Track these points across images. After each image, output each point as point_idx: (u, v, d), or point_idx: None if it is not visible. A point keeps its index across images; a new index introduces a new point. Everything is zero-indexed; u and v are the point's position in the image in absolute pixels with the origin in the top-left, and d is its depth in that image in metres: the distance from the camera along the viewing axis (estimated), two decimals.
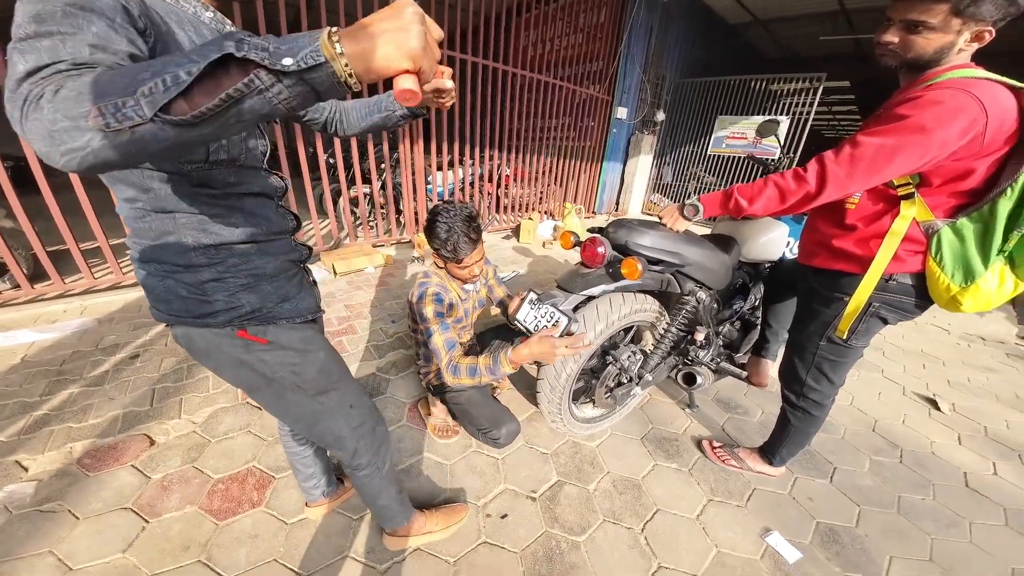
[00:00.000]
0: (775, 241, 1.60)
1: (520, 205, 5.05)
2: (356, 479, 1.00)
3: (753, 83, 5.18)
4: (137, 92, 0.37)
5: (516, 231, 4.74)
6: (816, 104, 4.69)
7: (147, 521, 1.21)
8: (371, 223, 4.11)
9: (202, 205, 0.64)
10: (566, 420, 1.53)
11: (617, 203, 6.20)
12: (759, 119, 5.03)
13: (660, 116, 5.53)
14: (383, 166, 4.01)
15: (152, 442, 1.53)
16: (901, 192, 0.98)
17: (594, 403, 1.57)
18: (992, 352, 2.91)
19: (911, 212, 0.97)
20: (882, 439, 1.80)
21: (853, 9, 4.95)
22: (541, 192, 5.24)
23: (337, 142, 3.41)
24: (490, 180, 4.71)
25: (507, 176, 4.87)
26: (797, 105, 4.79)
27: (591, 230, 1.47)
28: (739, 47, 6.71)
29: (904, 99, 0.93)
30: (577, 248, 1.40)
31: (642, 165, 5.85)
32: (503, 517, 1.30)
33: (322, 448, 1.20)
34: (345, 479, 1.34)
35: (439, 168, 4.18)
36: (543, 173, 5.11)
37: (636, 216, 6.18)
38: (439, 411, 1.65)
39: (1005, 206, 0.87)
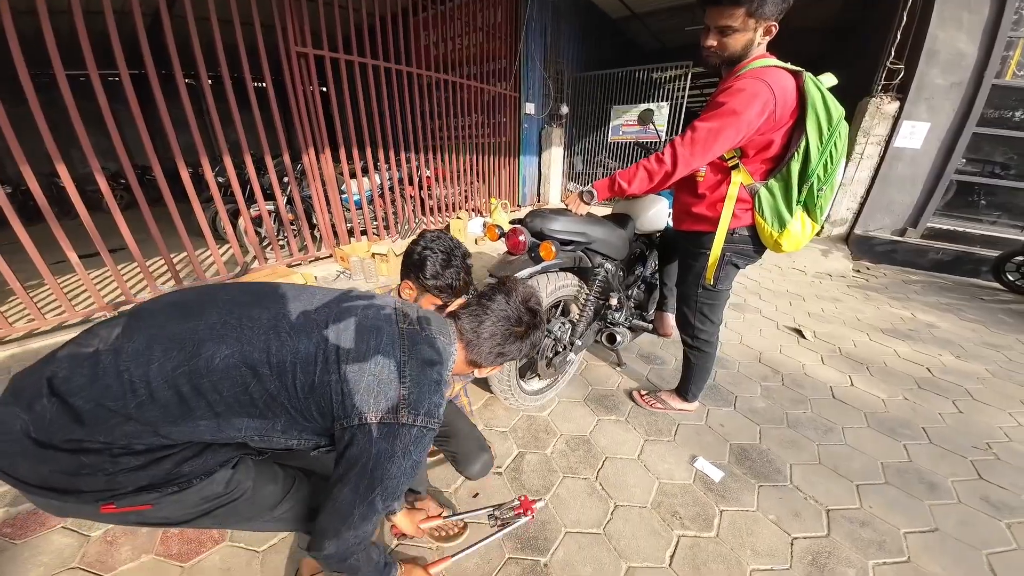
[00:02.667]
0: (659, 213, 1.90)
1: (446, 205, 5.07)
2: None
3: (637, 73, 5.77)
4: None
5: (447, 231, 4.77)
6: (689, 88, 5.37)
7: None
8: (281, 242, 3.82)
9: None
10: (517, 396, 1.68)
11: (539, 195, 6.50)
12: (644, 107, 5.63)
13: (564, 109, 5.90)
14: (286, 179, 3.75)
15: None
16: (730, 164, 1.27)
17: (539, 376, 1.74)
18: (837, 285, 3.68)
19: (739, 179, 1.26)
20: (767, 367, 2.23)
21: None
22: (466, 191, 5.31)
23: (226, 158, 3.08)
24: (411, 183, 4.65)
25: (428, 177, 4.85)
26: (675, 91, 5.45)
27: (512, 222, 1.63)
28: (624, 41, 7.39)
29: (722, 88, 1.20)
30: (502, 239, 1.55)
31: (555, 157, 6.20)
32: (475, 496, 1.40)
33: None
34: None
35: (352, 175, 4.02)
36: (464, 172, 5.17)
37: (550, 206, 6.55)
38: None
39: (795, 167, 1.18)
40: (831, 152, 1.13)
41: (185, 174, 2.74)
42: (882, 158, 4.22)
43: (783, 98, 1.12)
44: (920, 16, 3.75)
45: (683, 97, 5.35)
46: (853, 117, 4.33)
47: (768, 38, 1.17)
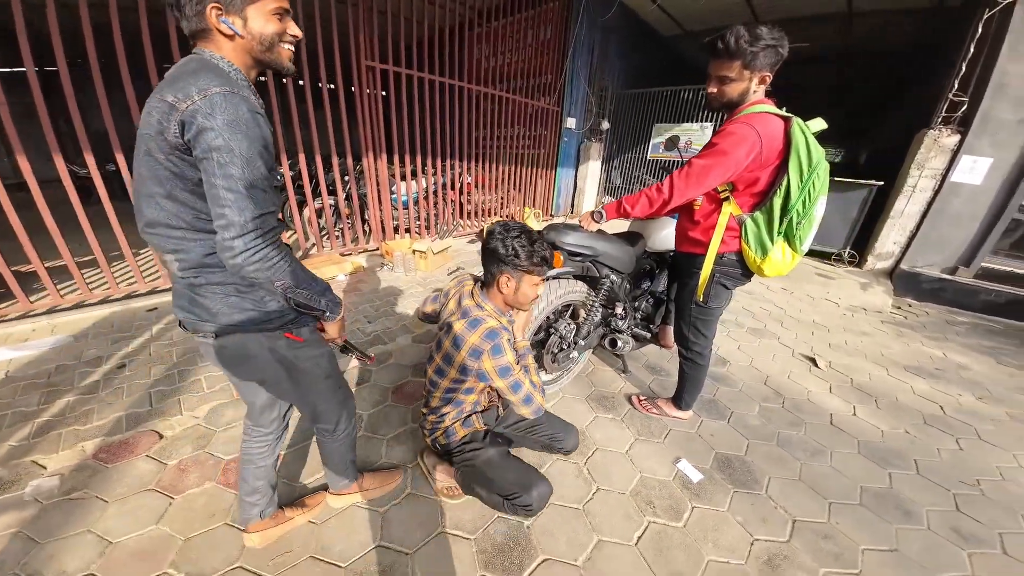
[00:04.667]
0: (670, 235, 2.05)
1: (483, 210, 5.38)
2: (333, 442, 1.25)
3: (683, 92, 5.81)
4: (295, 290, 0.88)
5: (480, 235, 5.07)
6: None
7: (172, 498, 1.43)
8: (337, 233, 4.28)
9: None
10: None
11: (572, 206, 6.68)
12: (689, 126, 5.66)
13: (605, 125, 6.05)
14: (347, 178, 4.20)
15: (161, 436, 1.72)
16: (722, 196, 1.44)
17: (545, 370, 1.95)
18: (870, 320, 3.58)
19: (729, 209, 1.42)
20: (770, 390, 2.30)
21: (766, 20, 5.70)
22: (502, 198, 5.60)
23: (300, 155, 3.56)
24: (452, 188, 5.00)
25: (468, 183, 5.18)
26: (718, 111, 5.44)
27: None
28: (673, 58, 7.41)
29: (719, 131, 1.37)
30: None
31: (592, 170, 6.36)
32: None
33: (274, 464, 1.26)
34: (285, 507, 1.34)
35: (402, 178, 4.42)
36: (503, 180, 5.47)
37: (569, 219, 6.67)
38: (443, 474, 1.47)
39: (777, 201, 1.32)
40: (809, 190, 1.27)
41: None
42: (936, 192, 4.04)
43: (769, 141, 1.27)
44: (990, 48, 3.59)
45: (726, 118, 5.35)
46: (908, 148, 4.19)
47: (763, 87, 1.33)
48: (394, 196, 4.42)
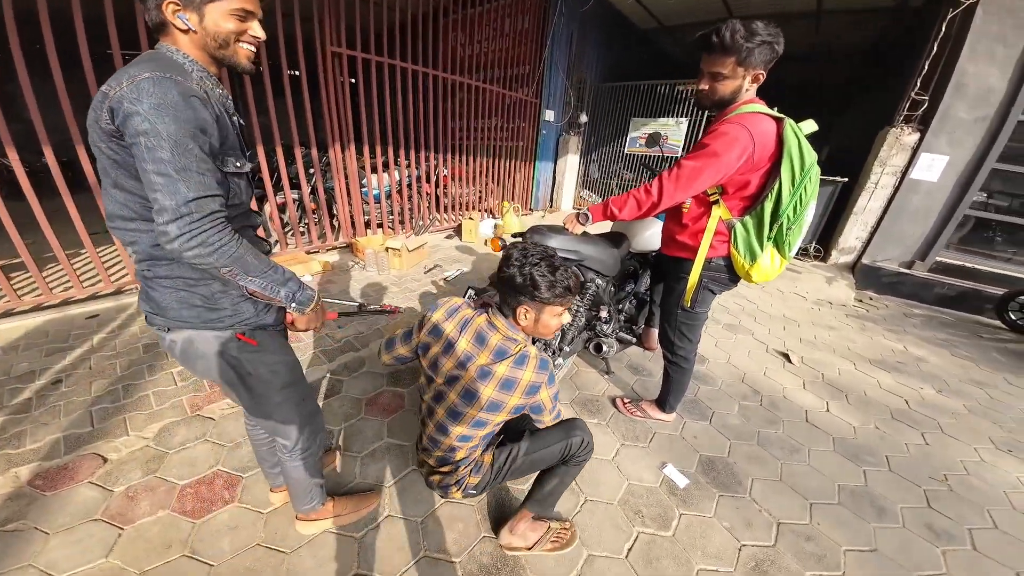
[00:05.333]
0: (655, 235, 2.03)
1: (460, 204, 5.23)
2: (292, 462, 1.14)
3: (659, 88, 5.82)
4: (246, 278, 0.82)
5: (458, 230, 4.93)
6: None
7: (122, 528, 1.29)
8: (303, 229, 4.04)
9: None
10: None
11: (551, 200, 6.62)
12: (665, 120, 5.69)
13: (584, 118, 6.00)
14: (312, 170, 3.96)
15: (105, 460, 1.55)
16: (712, 199, 1.40)
17: None
18: (835, 313, 3.73)
19: (719, 213, 1.39)
20: (748, 387, 2.34)
21: (739, 16, 5.74)
22: (480, 192, 5.46)
23: (259, 146, 3.29)
24: (428, 181, 4.82)
25: (445, 176, 5.01)
26: (695, 106, 5.49)
27: (514, 235, 1.77)
28: (651, 52, 7.41)
29: (710, 131, 1.32)
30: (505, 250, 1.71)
31: (571, 164, 6.31)
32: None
33: None
34: (336, 498, 1.36)
35: (373, 170, 4.21)
36: (480, 173, 5.32)
37: (549, 223, 6.63)
38: (531, 529, 1.30)
39: (768, 206, 1.29)
40: (801, 195, 1.24)
41: None
42: (896, 189, 4.22)
43: (762, 143, 1.23)
44: (951, 49, 3.73)
45: (704, 114, 5.39)
46: (872, 146, 4.34)
47: (756, 85, 1.29)
48: (365, 189, 4.21)
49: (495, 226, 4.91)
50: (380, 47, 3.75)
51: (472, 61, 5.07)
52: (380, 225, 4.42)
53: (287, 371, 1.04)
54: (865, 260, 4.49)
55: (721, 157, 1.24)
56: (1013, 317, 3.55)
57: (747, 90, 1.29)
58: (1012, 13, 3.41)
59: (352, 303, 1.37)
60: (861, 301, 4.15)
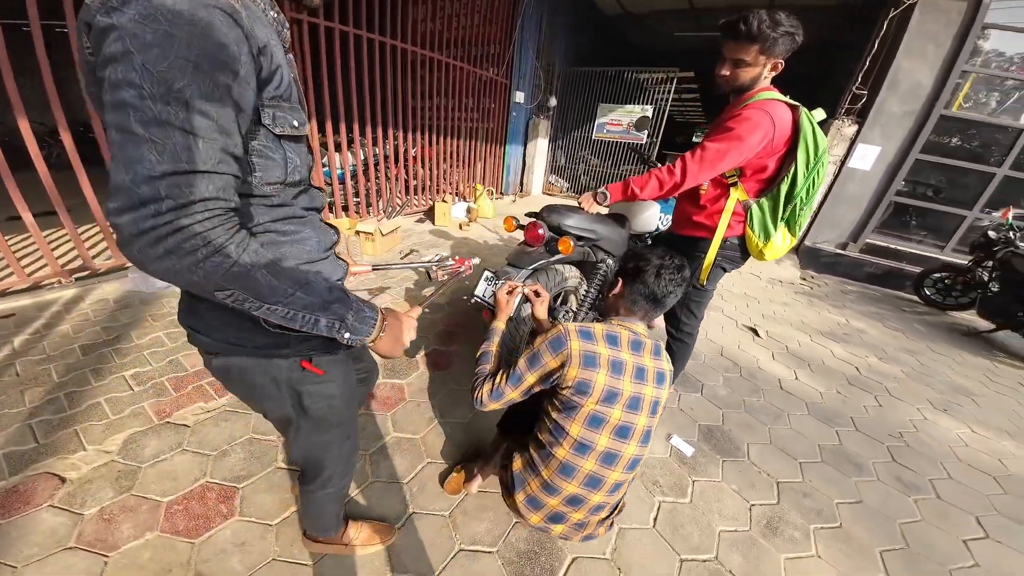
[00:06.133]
0: (652, 216, 2.08)
1: (430, 187, 5.02)
2: (317, 493, 0.99)
3: (626, 74, 5.92)
4: (260, 305, 0.54)
5: (430, 213, 4.74)
6: (672, 93, 5.61)
7: (106, 556, 1.11)
8: None
9: (278, 223, 0.63)
10: None
11: (521, 184, 6.56)
12: (632, 107, 5.82)
13: (553, 101, 5.96)
14: None
15: (63, 480, 1.33)
16: (730, 181, 1.45)
17: None
18: (786, 291, 4.08)
19: (736, 195, 1.44)
20: (728, 360, 2.51)
21: (701, 8, 5.92)
22: (447, 171, 5.27)
23: None
24: (396, 162, 4.56)
25: (414, 158, 4.77)
26: (659, 94, 5.66)
27: (528, 214, 1.73)
28: (616, 38, 7.48)
29: (732, 115, 1.35)
30: (519, 230, 1.66)
31: (540, 148, 6.28)
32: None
33: None
34: (352, 522, 1.21)
35: (337, 148, 3.90)
36: (450, 154, 5.13)
37: (564, 203, 6.61)
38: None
39: (783, 188, 1.37)
40: (814, 178, 1.32)
41: None
42: (836, 177, 4.66)
43: (781, 129, 1.28)
44: (890, 46, 4.12)
45: (667, 102, 5.58)
46: None
47: (775, 74, 1.33)
48: (327, 169, 3.90)
49: (468, 209, 4.79)
50: (345, 16, 3.43)
51: (439, 36, 4.81)
52: (345, 208, 4.13)
53: (344, 406, 0.85)
54: (808, 242, 4.94)
55: (745, 141, 1.28)
56: (928, 293, 4.10)
57: (765, 78, 1.33)
58: (945, 13, 3.81)
59: (411, 265, 1.21)
60: (805, 280, 4.58)
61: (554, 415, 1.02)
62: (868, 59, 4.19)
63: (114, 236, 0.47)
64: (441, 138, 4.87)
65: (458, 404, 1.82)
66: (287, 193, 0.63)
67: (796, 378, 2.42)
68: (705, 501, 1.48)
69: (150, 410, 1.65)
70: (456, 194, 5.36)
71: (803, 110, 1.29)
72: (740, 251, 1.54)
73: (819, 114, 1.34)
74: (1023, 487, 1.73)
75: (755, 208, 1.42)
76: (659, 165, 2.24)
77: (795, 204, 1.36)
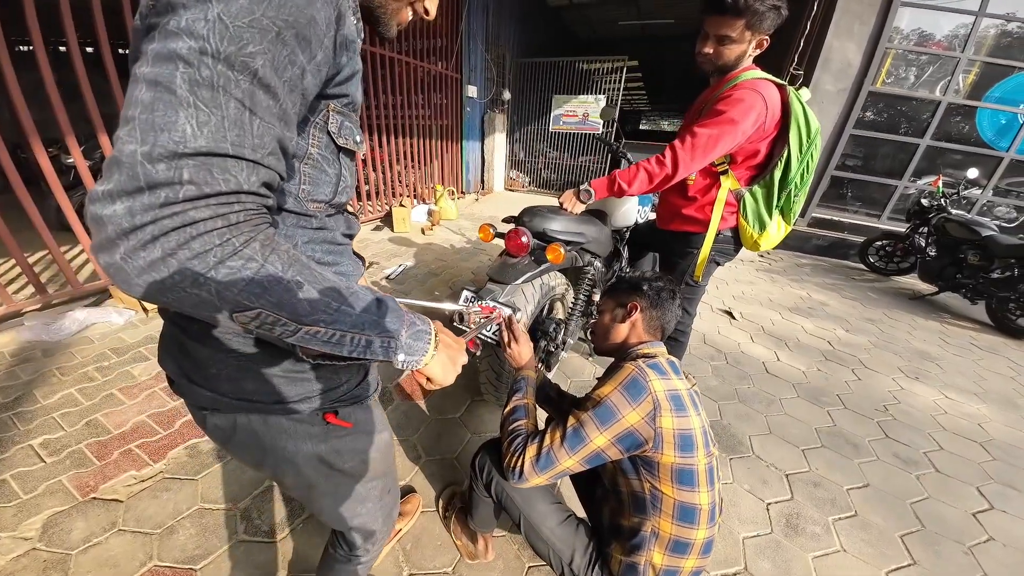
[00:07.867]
0: (631, 210, 1.98)
1: (384, 191, 4.70)
2: (347, 566, 0.81)
3: (578, 64, 5.87)
4: (300, 332, 0.41)
5: (387, 219, 4.43)
6: (623, 82, 5.62)
7: None
8: None
9: (318, 250, 0.54)
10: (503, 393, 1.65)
11: (483, 182, 6.34)
12: (585, 98, 5.78)
13: (507, 95, 5.79)
14: None
15: None
16: (720, 169, 1.36)
17: None
18: (747, 268, 4.21)
19: (728, 184, 1.36)
20: (711, 348, 2.50)
21: None
22: (399, 173, 4.96)
23: (103, 138, 2.42)
24: None
25: (361, 161, 4.43)
26: (609, 83, 5.66)
27: (506, 220, 1.56)
28: (561, 28, 7.43)
29: (719, 97, 1.26)
30: (499, 240, 1.48)
31: (498, 143, 6.09)
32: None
33: None
34: None
35: None
36: (403, 155, 4.82)
37: (545, 204, 6.44)
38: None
39: (777, 174, 1.30)
40: (808, 162, 1.26)
41: (44, 157, 2.13)
42: None
43: (772, 110, 1.21)
44: (820, 26, 4.31)
45: (617, 91, 5.58)
46: None
47: (759, 51, 1.25)
48: None
49: (429, 212, 4.53)
50: None
51: None
52: None
53: (381, 458, 0.70)
54: None
55: (739, 124, 1.19)
56: (872, 260, 4.39)
57: (750, 56, 1.24)
58: None
59: (440, 306, 0.99)
60: (762, 257, 4.76)
61: (633, 480, 0.82)
62: (802, 40, 4.37)
63: (91, 226, 0.32)
64: (392, 138, 4.56)
65: (443, 436, 1.64)
66: (328, 215, 0.55)
67: (778, 359, 2.44)
68: (724, 507, 1.40)
69: (70, 485, 1.34)
70: (415, 196, 5.07)
71: (791, 89, 1.22)
72: (733, 243, 1.47)
73: (805, 93, 1.28)
74: (1008, 452, 1.80)
75: (748, 197, 1.34)
76: (627, 154, 2.15)
77: (790, 190, 1.30)
